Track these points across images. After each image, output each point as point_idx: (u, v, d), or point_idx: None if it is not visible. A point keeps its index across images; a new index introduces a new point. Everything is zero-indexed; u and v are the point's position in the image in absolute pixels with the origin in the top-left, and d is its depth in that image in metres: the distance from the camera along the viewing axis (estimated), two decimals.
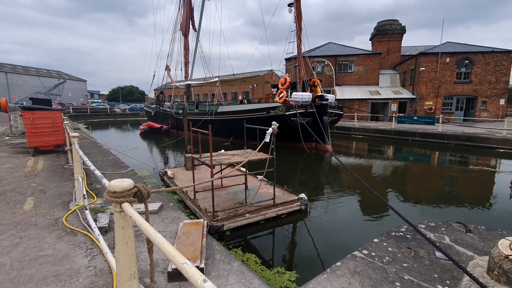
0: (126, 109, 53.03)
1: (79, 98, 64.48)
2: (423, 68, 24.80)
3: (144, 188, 1.82)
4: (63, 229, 3.78)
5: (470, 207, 6.95)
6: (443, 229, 4.13)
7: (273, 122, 5.69)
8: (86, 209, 3.70)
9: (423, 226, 4.24)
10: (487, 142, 14.69)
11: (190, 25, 23.32)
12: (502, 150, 13.92)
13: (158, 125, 23.95)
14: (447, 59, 24.47)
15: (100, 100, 66.56)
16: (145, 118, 35.08)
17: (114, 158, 9.36)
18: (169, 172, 8.77)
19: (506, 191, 8.34)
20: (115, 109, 51.62)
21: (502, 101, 24.18)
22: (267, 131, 5.69)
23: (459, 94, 24.96)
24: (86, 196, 3.94)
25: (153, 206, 4.81)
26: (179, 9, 24.87)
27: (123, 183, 1.65)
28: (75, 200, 4.87)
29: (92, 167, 2.64)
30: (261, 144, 5.61)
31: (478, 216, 6.44)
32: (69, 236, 3.58)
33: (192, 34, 23.75)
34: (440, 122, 18.21)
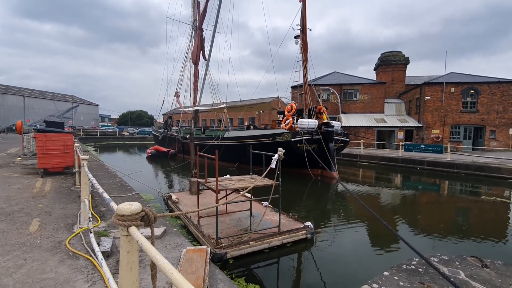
0: (135, 132, 54.04)
1: (90, 121, 66.27)
2: (429, 97, 25.02)
3: (151, 212, 1.83)
4: (65, 252, 3.74)
5: (484, 240, 6.65)
6: (457, 263, 3.95)
7: (279, 148, 5.72)
8: (91, 232, 3.68)
9: (435, 259, 4.06)
10: (498, 172, 14.35)
11: (201, 55, 24.35)
12: None
13: (165, 149, 24.21)
14: (452, 89, 24.71)
15: (110, 124, 68.22)
16: (153, 142, 35.57)
17: (120, 181, 9.41)
18: (174, 197, 8.72)
19: None
20: (123, 133, 52.64)
21: (511, 131, 23.93)
22: (273, 157, 5.71)
23: (466, 123, 24.87)
24: (91, 219, 3.92)
25: (156, 231, 4.75)
26: (190, 40, 26.15)
27: (132, 207, 1.66)
28: (79, 222, 4.85)
29: (101, 190, 2.66)
30: (267, 170, 5.60)
31: (493, 250, 6.14)
32: (71, 260, 3.53)
33: (202, 63, 24.72)
34: (448, 150, 17.99)
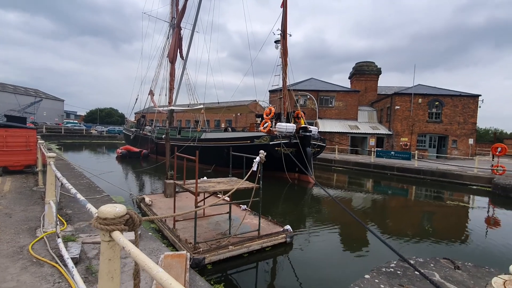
0: (104, 131, 51.36)
1: (54, 117, 62.00)
2: (398, 107, 26.40)
3: (136, 215, 1.67)
4: (28, 258, 3.37)
5: (451, 243, 7.04)
6: (431, 265, 4.10)
7: (261, 151, 5.66)
8: (59, 237, 3.34)
9: (412, 261, 4.18)
10: (460, 179, 15.39)
11: (178, 54, 23.76)
12: (474, 187, 14.60)
13: (137, 149, 23.22)
14: (420, 100, 26.29)
15: (76, 121, 64.35)
16: (123, 142, 34.08)
17: (88, 181, 8.84)
18: (147, 199, 8.34)
19: (483, 227, 8.62)
20: (91, 131, 49.89)
21: (471, 141, 25.90)
22: (254, 160, 5.63)
23: (432, 132, 26.54)
24: (58, 222, 3.58)
25: (130, 235, 4.45)
26: (167, 38, 25.47)
27: (116, 209, 1.49)
28: (43, 226, 4.43)
29: (74, 191, 2.42)
30: (249, 172, 5.51)
31: (460, 251, 6.51)
32: (35, 267, 3.18)
33: (179, 62, 24.11)
34: (416, 158, 19.03)
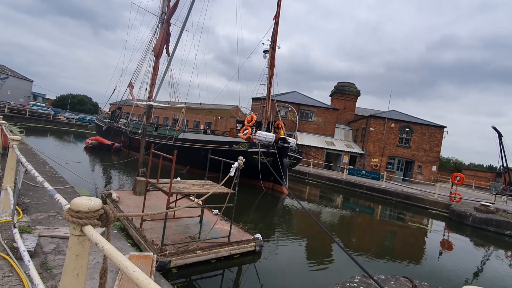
0: (73, 118, 48.58)
1: (20, 98, 57.76)
2: (373, 129, 27.64)
3: (112, 211, 1.59)
4: None
5: (410, 262, 7.39)
6: (392, 282, 4.26)
7: (240, 157, 5.66)
8: (15, 227, 3.07)
9: (375, 278, 4.32)
10: (422, 203, 16.29)
11: (164, 49, 23.30)
12: (434, 211, 15.51)
13: (108, 142, 22.20)
14: (392, 125, 27.75)
15: (44, 105, 60.42)
16: (94, 132, 32.51)
17: (51, 170, 8.29)
18: (114, 195, 7.98)
19: (438, 249, 9.16)
20: (59, 117, 46.92)
21: (434, 168, 27.64)
22: (232, 165, 5.60)
23: (400, 156, 28.00)
24: (15, 212, 3.30)
25: (98, 231, 4.21)
26: (155, 32, 24.95)
27: (91, 203, 1.41)
28: None
29: (40, 179, 2.25)
30: (226, 177, 5.46)
31: (417, 270, 6.84)
32: None
33: (164, 58, 23.63)
34: (384, 179, 19.92)
